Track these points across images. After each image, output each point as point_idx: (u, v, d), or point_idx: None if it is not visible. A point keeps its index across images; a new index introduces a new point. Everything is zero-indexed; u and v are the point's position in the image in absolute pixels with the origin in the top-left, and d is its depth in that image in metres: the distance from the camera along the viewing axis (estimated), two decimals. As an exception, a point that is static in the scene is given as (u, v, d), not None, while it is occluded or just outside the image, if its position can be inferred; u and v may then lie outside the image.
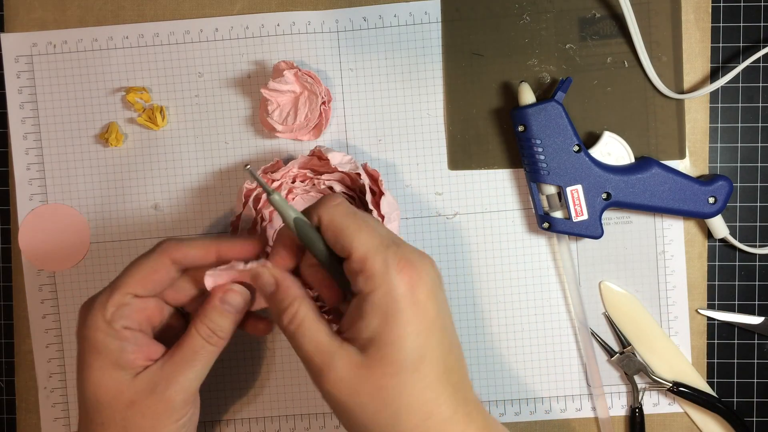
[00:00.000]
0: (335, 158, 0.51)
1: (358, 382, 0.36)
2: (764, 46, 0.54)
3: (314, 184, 0.53)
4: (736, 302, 0.55)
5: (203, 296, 0.43)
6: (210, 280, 0.41)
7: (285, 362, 0.56)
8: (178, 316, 0.46)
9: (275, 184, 0.52)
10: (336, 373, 0.37)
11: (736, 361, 0.56)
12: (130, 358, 0.40)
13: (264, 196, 0.52)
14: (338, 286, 0.41)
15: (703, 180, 0.53)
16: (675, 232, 0.55)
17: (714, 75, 0.55)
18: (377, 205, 0.51)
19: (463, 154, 0.55)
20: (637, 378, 0.55)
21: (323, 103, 0.53)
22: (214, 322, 0.41)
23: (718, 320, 0.55)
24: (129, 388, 0.40)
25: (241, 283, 0.42)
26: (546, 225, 0.53)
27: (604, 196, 0.52)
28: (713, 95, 0.55)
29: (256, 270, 0.40)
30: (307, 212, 0.40)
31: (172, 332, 0.45)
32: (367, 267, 0.37)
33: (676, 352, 0.55)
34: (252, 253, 0.42)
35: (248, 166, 0.39)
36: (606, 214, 0.55)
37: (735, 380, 0.56)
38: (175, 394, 0.40)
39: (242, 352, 0.56)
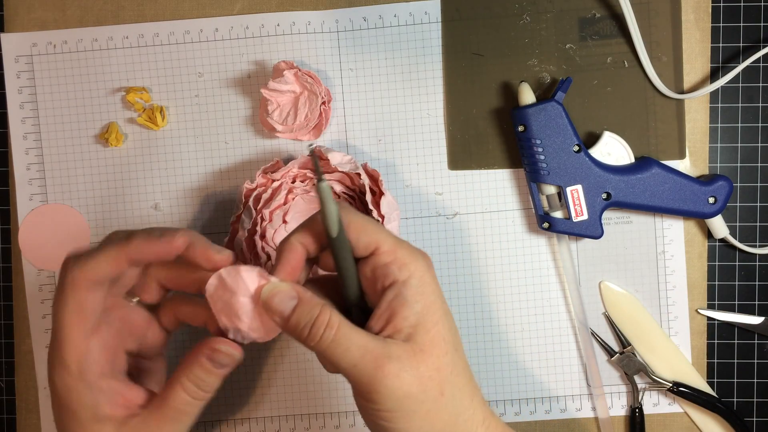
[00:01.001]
0: (335, 158, 0.51)
1: (418, 372, 0.36)
2: (764, 46, 0.54)
3: (314, 184, 0.53)
4: (736, 302, 0.55)
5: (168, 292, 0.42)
6: (211, 289, 0.39)
7: (285, 362, 0.56)
8: (153, 328, 0.43)
9: (275, 184, 0.52)
10: (395, 369, 0.36)
11: (736, 361, 0.56)
12: (108, 413, 0.38)
13: (264, 196, 0.52)
14: (348, 295, 0.40)
15: (703, 180, 0.53)
16: (675, 232, 0.55)
17: (714, 75, 0.55)
18: (377, 205, 0.51)
19: (463, 154, 0.55)
20: (637, 378, 0.55)
21: (323, 103, 0.53)
22: (201, 378, 0.38)
23: (718, 320, 0.55)
24: None
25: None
26: (546, 225, 0.53)
27: (604, 196, 0.52)
28: (713, 95, 0.55)
29: (272, 291, 0.37)
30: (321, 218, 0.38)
31: (150, 347, 0.43)
32: (399, 256, 0.37)
33: (676, 352, 0.55)
34: (174, 254, 0.39)
35: (312, 145, 0.38)
36: (606, 214, 0.55)
37: (735, 380, 0.56)
38: None
39: (242, 352, 0.56)
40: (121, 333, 0.40)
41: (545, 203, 0.53)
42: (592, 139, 0.54)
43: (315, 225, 0.38)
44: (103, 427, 0.38)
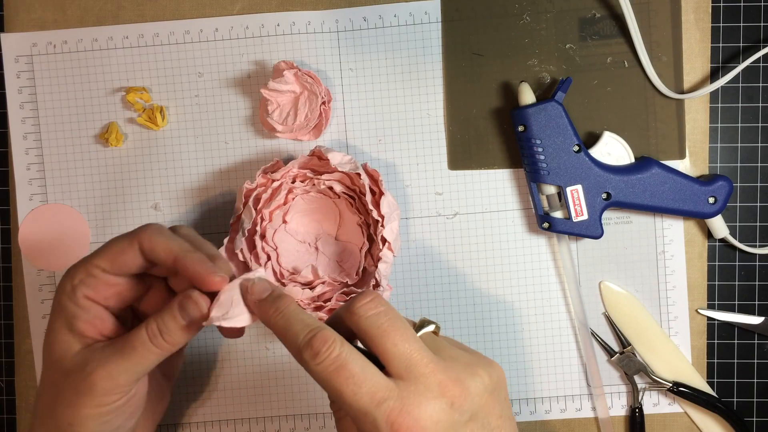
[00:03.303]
0: (335, 158, 0.51)
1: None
2: (764, 46, 0.54)
3: (314, 184, 0.53)
4: (736, 302, 0.55)
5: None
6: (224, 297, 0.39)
7: (285, 362, 0.56)
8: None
9: (275, 184, 0.52)
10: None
11: (736, 361, 0.56)
12: (81, 327, 0.40)
13: (264, 196, 0.52)
14: None
15: (703, 180, 0.53)
16: (675, 232, 0.55)
17: (714, 75, 0.55)
18: (377, 205, 0.51)
19: (463, 154, 0.55)
20: (637, 378, 0.55)
21: (323, 103, 0.53)
22: (165, 324, 0.39)
23: (718, 320, 0.55)
24: (71, 357, 0.40)
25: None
26: (546, 225, 0.53)
27: (604, 196, 0.52)
28: (713, 95, 0.55)
29: (248, 277, 0.39)
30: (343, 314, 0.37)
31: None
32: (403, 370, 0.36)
33: (676, 352, 0.55)
34: (208, 288, 0.39)
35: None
36: (606, 214, 0.55)
37: (735, 380, 0.56)
38: (99, 379, 0.39)
39: (242, 352, 0.56)
40: (132, 292, 0.43)
41: (545, 203, 0.53)
42: (592, 139, 0.54)
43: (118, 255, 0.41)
44: (71, 341, 0.41)
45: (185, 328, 0.39)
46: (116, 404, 0.40)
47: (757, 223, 0.55)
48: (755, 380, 0.56)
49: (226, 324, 0.38)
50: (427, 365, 0.35)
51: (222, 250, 0.51)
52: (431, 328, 0.38)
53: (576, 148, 0.52)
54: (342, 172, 0.51)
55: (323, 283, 0.53)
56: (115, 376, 0.39)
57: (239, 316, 0.39)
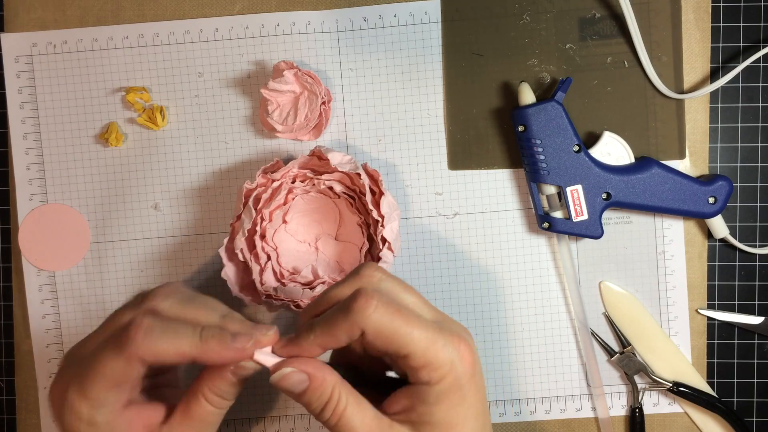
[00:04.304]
0: (335, 158, 0.51)
1: None
2: (764, 46, 0.54)
3: (314, 184, 0.53)
4: (736, 302, 0.55)
5: None
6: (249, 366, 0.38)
7: (285, 362, 0.56)
8: None
9: (275, 184, 0.52)
10: None
11: (736, 361, 0.56)
12: None
13: (264, 196, 0.52)
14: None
15: (703, 180, 0.53)
16: (675, 232, 0.55)
17: (714, 75, 0.55)
18: (377, 205, 0.51)
19: (463, 154, 0.55)
20: (637, 378, 0.55)
21: (323, 103, 0.53)
22: (222, 389, 0.37)
23: (718, 320, 0.55)
24: None
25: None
26: (546, 225, 0.53)
27: (604, 196, 0.52)
28: (713, 95, 0.55)
29: (281, 375, 0.36)
30: (343, 324, 0.35)
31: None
32: (431, 360, 0.35)
33: (676, 352, 0.55)
34: (244, 359, 0.36)
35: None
36: (606, 214, 0.55)
37: (735, 380, 0.56)
38: None
39: (242, 352, 0.56)
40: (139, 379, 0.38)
41: (545, 203, 0.53)
42: (592, 139, 0.54)
43: (335, 329, 0.36)
44: None
45: (239, 383, 0.38)
46: None
47: (757, 223, 0.55)
48: (755, 380, 0.56)
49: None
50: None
51: (222, 250, 0.51)
52: None
53: (576, 148, 0.52)
54: (342, 172, 0.51)
55: (323, 283, 0.53)
56: None
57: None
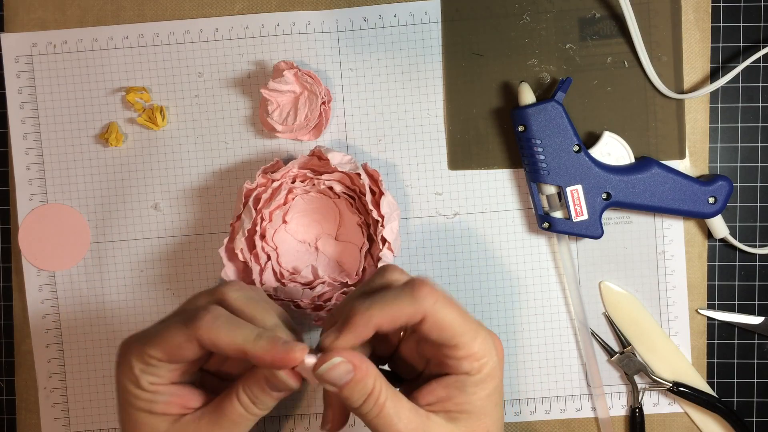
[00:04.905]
0: (335, 158, 0.51)
1: None
2: (764, 46, 0.54)
3: (314, 184, 0.53)
4: (736, 302, 0.55)
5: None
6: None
7: (285, 362, 0.56)
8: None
9: (275, 184, 0.52)
10: None
11: (736, 361, 0.56)
12: (162, 409, 0.39)
13: (264, 196, 0.52)
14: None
15: (703, 180, 0.53)
16: (675, 232, 0.55)
17: (714, 75, 0.55)
18: (377, 205, 0.51)
19: (463, 154, 0.55)
20: (637, 378, 0.55)
21: (323, 103, 0.53)
22: (256, 396, 0.38)
23: (718, 320, 0.55)
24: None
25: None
26: (546, 225, 0.53)
27: (604, 196, 0.52)
28: (713, 95, 0.55)
29: (327, 365, 0.36)
30: (407, 308, 0.37)
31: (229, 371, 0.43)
32: (475, 351, 0.37)
33: (676, 352, 0.55)
34: (288, 366, 0.37)
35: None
36: (606, 214, 0.55)
37: (735, 380, 0.56)
38: None
39: (242, 352, 0.56)
40: (193, 365, 0.40)
41: (545, 203, 0.53)
42: (592, 139, 0.54)
43: (396, 310, 0.37)
44: (156, 420, 0.39)
45: (275, 397, 0.39)
46: None
47: (757, 223, 0.55)
48: (755, 380, 0.56)
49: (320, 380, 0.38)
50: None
51: (222, 250, 0.51)
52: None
53: (576, 148, 0.52)
54: (342, 172, 0.51)
55: (323, 283, 0.53)
56: None
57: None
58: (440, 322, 0.37)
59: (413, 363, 0.41)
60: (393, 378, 0.42)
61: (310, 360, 0.37)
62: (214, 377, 0.42)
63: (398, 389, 0.39)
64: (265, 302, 0.40)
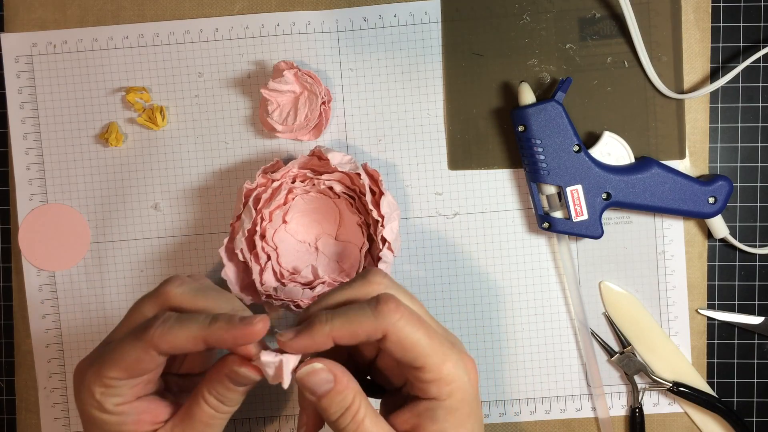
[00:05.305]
0: (335, 158, 0.51)
1: None
2: (764, 46, 0.54)
3: (314, 184, 0.53)
4: (736, 302, 0.55)
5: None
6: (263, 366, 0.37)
7: (285, 362, 0.56)
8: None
9: (275, 184, 0.52)
10: None
11: (736, 361, 0.56)
12: (132, 429, 0.38)
13: (264, 196, 0.52)
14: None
15: (703, 180, 0.53)
16: (675, 232, 0.55)
17: (714, 75, 0.55)
18: (377, 205, 0.51)
19: (463, 154, 0.55)
20: (637, 378, 0.55)
21: (323, 103, 0.53)
22: (222, 394, 0.37)
23: (718, 320, 0.55)
24: None
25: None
26: (546, 225, 0.53)
27: (604, 196, 0.52)
28: (713, 95, 0.55)
29: (308, 370, 0.36)
30: (367, 323, 0.35)
31: (191, 367, 0.42)
32: (444, 375, 0.36)
33: (676, 352, 0.55)
34: (252, 340, 0.36)
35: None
36: (606, 214, 0.55)
37: (735, 380, 0.56)
38: None
39: (242, 352, 0.56)
40: (154, 375, 0.39)
41: (545, 203, 0.53)
42: (592, 139, 0.54)
43: (356, 326, 0.35)
44: None
45: (243, 392, 0.38)
46: None
47: (757, 223, 0.55)
48: (755, 380, 0.56)
49: (286, 379, 0.37)
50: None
51: (222, 250, 0.51)
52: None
53: (576, 148, 0.52)
54: (342, 172, 0.51)
55: (323, 283, 0.53)
56: None
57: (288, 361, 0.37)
58: (402, 341, 0.35)
59: (391, 377, 0.40)
60: (374, 388, 0.41)
61: (267, 357, 0.35)
62: (177, 377, 0.42)
63: (380, 400, 0.38)
64: (214, 290, 0.39)
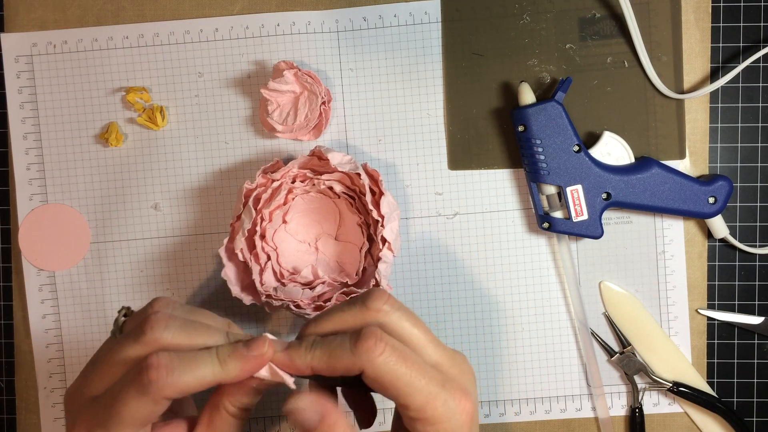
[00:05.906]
0: (335, 158, 0.51)
1: None
2: (764, 46, 0.54)
3: (314, 184, 0.53)
4: (736, 302, 0.55)
5: None
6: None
7: (285, 362, 0.56)
8: None
9: (275, 184, 0.52)
10: None
11: (736, 361, 0.56)
12: None
13: (264, 196, 0.52)
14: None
15: (703, 180, 0.53)
16: (675, 232, 0.55)
17: (714, 75, 0.55)
18: (377, 205, 0.51)
19: (463, 154, 0.55)
20: (637, 378, 0.55)
21: (323, 103, 0.53)
22: (245, 402, 0.37)
23: (718, 320, 0.55)
24: None
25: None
26: (546, 225, 0.53)
27: (604, 196, 0.52)
28: (713, 95, 0.55)
29: (295, 405, 0.35)
30: (344, 359, 0.35)
31: None
32: (428, 416, 0.35)
33: (676, 352, 0.55)
34: (264, 365, 0.36)
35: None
36: (606, 214, 0.55)
37: (735, 380, 0.56)
38: None
39: (242, 352, 0.56)
40: None
41: (545, 203, 0.53)
42: (592, 139, 0.54)
43: (335, 360, 0.35)
44: None
45: (259, 393, 0.38)
46: None
47: (757, 223, 0.55)
48: (755, 380, 0.56)
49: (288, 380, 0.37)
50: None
51: (222, 250, 0.51)
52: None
53: (576, 148, 0.52)
54: (342, 172, 0.51)
55: (323, 283, 0.53)
56: None
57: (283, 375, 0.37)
58: (380, 379, 0.34)
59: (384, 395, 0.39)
60: (366, 388, 0.40)
61: (262, 373, 0.36)
62: None
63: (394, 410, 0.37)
64: (198, 314, 0.38)
